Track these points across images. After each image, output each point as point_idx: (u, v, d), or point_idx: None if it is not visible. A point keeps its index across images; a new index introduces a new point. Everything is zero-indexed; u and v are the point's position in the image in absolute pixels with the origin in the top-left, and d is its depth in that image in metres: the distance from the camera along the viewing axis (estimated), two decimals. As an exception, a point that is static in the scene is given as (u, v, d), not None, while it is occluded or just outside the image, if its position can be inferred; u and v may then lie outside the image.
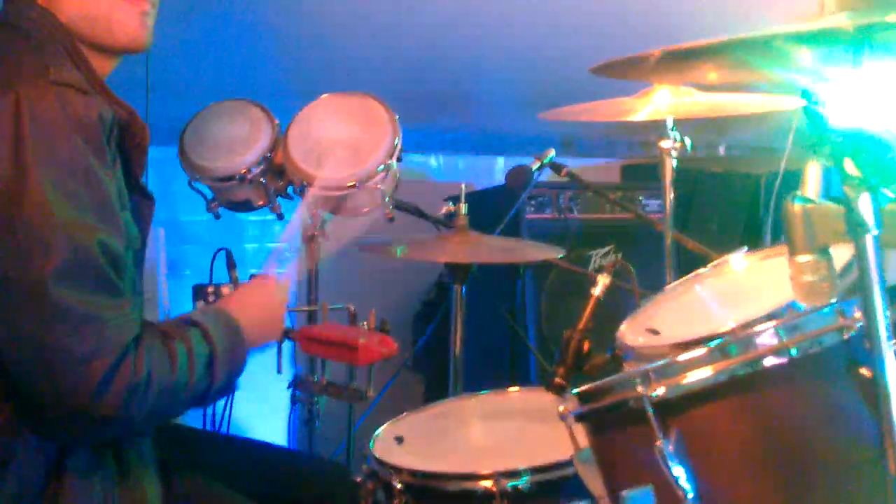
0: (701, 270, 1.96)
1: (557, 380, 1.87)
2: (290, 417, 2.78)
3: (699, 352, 1.28)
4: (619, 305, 2.85)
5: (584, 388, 1.37)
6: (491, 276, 2.40)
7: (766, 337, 1.25)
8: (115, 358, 1.32)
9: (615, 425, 1.32)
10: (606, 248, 3.22)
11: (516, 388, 2.11)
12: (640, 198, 3.30)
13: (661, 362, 1.28)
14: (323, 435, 2.64)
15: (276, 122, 2.28)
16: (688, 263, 2.60)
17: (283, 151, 2.22)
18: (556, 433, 1.89)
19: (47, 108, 1.33)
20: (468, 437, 1.96)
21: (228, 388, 1.53)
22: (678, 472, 1.21)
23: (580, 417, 1.38)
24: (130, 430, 1.46)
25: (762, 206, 3.44)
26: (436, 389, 3.45)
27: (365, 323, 2.29)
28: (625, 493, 1.22)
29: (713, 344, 1.29)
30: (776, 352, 1.23)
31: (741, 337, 1.28)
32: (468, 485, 1.72)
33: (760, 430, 1.24)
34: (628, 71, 1.31)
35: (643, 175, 3.91)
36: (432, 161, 3.84)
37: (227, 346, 1.50)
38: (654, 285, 3.05)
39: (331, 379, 2.45)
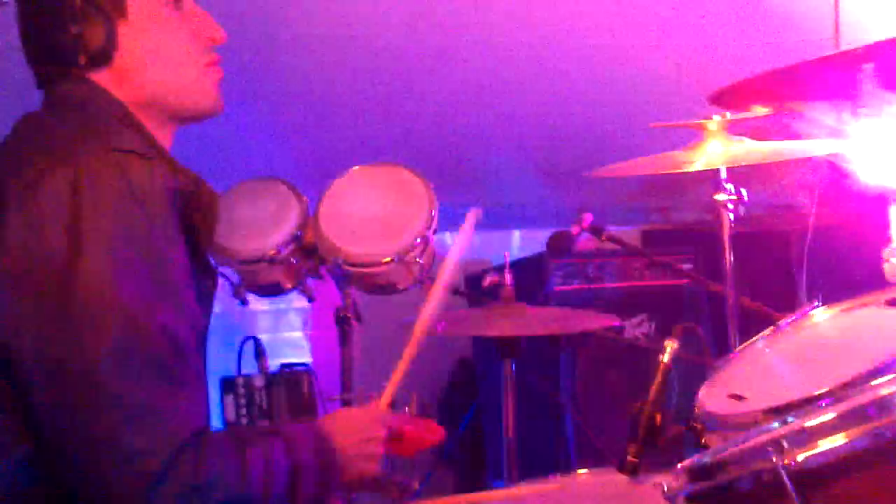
0: (771, 329, 1.82)
1: (630, 458, 1.72)
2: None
3: (829, 415, 1.14)
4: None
5: (694, 462, 1.23)
6: (529, 350, 2.26)
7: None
8: (171, 454, 1.18)
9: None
10: (640, 318, 3.09)
11: (584, 471, 1.95)
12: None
13: (786, 428, 1.14)
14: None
15: (305, 199, 2.17)
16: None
17: (315, 229, 2.10)
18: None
19: (108, 177, 1.23)
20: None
21: None
22: (827, 554, 1.06)
23: (692, 498, 1.22)
24: None
25: (794, 263, 3.33)
26: (470, 478, 3.28)
27: (407, 408, 2.15)
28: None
29: (844, 404, 1.15)
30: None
31: (876, 397, 1.14)
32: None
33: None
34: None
35: (664, 241, 3.81)
36: (447, 238, 3.73)
37: (316, 463, 1.33)
38: (696, 352, 2.94)
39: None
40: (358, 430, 1.47)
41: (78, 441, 1.18)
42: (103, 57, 1.36)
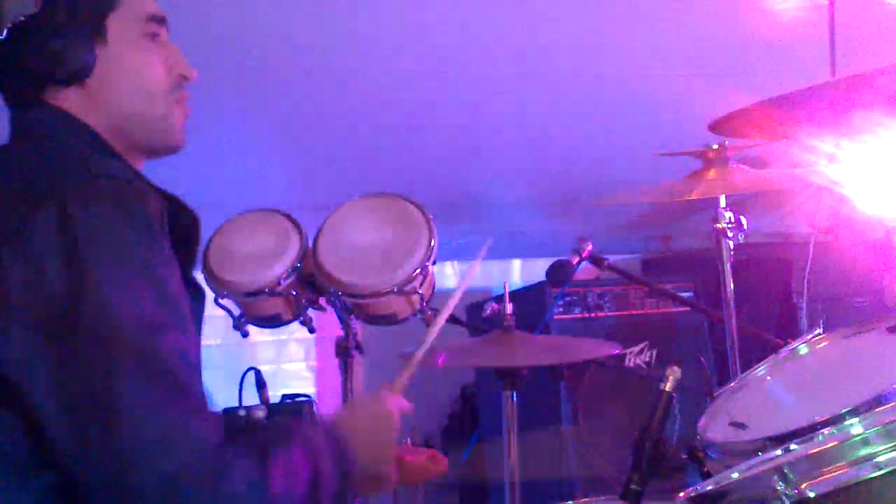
0: (773, 356, 1.82)
1: (633, 486, 1.71)
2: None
3: (832, 443, 1.13)
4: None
5: (697, 491, 1.22)
6: (530, 378, 2.25)
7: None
8: (204, 468, 1.17)
9: (744, 532, 1.16)
10: (640, 346, 3.09)
11: (586, 499, 1.93)
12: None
13: (790, 456, 1.13)
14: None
15: (304, 230, 2.17)
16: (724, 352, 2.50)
17: (314, 260, 2.10)
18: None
19: (97, 208, 1.22)
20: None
21: None
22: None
23: (696, 526, 1.22)
24: None
25: (795, 291, 3.33)
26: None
27: (408, 439, 2.14)
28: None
29: (846, 432, 1.14)
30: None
31: (879, 425, 1.13)
32: None
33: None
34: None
35: (663, 269, 3.82)
36: (448, 269, 3.74)
37: (334, 461, 1.31)
38: (698, 380, 2.93)
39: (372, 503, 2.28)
40: (370, 425, 1.44)
41: (109, 471, 1.16)
42: (80, 75, 1.36)
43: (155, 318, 1.21)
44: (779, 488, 1.08)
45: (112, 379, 1.16)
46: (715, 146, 1.94)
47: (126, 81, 1.39)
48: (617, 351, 2.16)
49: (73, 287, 1.18)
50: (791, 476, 1.09)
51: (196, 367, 1.26)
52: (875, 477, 1.09)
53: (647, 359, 3.08)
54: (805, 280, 3.34)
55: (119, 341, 1.17)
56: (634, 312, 3.14)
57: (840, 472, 1.09)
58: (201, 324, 1.43)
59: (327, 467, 1.30)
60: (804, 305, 3.30)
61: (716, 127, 1.47)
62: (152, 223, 1.25)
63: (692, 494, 1.22)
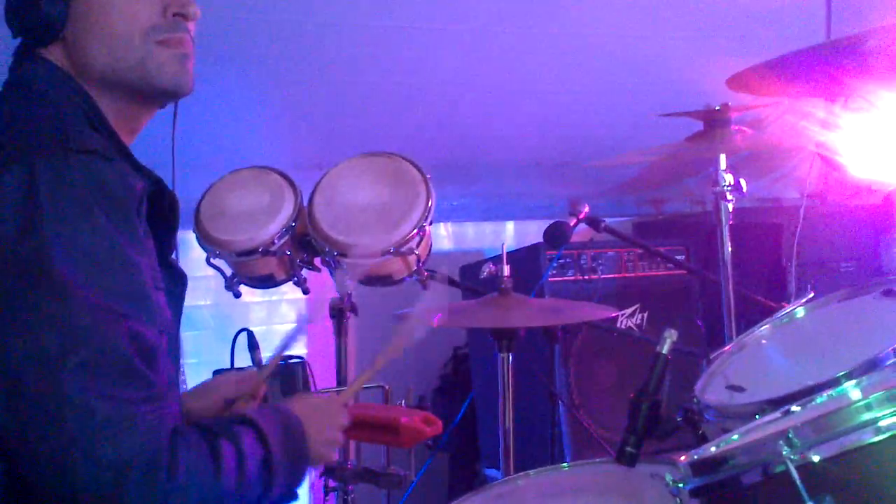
0: (769, 320, 1.82)
1: (629, 449, 1.71)
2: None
3: (832, 406, 1.13)
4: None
5: (699, 454, 1.22)
6: (524, 340, 2.25)
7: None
8: (147, 461, 1.15)
9: (746, 497, 1.16)
10: (632, 309, 3.09)
11: (566, 465, 1.91)
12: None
13: (793, 420, 1.14)
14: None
15: (299, 188, 2.15)
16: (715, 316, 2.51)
17: (310, 220, 2.08)
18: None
19: (68, 180, 1.18)
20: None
21: (289, 497, 1.34)
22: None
23: (697, 492, 1.22)
24: None
25: (784, 256, 3.34)
26: (461, 466, 3.27)
27: (402, 401, 2.14)
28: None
29: (846, 396, 1.15)
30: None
31: (879, 388, 1.14)
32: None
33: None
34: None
35: (656, 232, 3.82)
36: (441, 230, 3.73)
37: (287, 448, 1.31)
38: (690, 343, 2.94)
39: (366, 464, 2.28)
40: (322, 415, 1.45)
41: (49, 457, 1.14)
42: (53, 29, 1.34)
43: (115, 304, 1.18)
44: (784, 453, 1.08)
45: (64, 367, 1.13)
46: (717, 107, 1.93)
47: (95, 30, 1.36)
48: (614, 314, 2.16)
49: (32, 268, 1.15)
50: (796, 440, 1.09)
51: (155, 354, 1.22)
52: (877, 441, 1.09)
53: (639, 321, 3.08)
54: (794, 245, 3.35)
55: (76, 328, 1.14)
56: (627, 275, 3.13)
57: (843, 436, 1.09)
58: (181, 308, 1.41)
59: (279, 450, 1.30)
60: (793, 270, 3.31)
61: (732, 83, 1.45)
62: (127, 205, 1.22)
63: (694, 458, 1.22)
